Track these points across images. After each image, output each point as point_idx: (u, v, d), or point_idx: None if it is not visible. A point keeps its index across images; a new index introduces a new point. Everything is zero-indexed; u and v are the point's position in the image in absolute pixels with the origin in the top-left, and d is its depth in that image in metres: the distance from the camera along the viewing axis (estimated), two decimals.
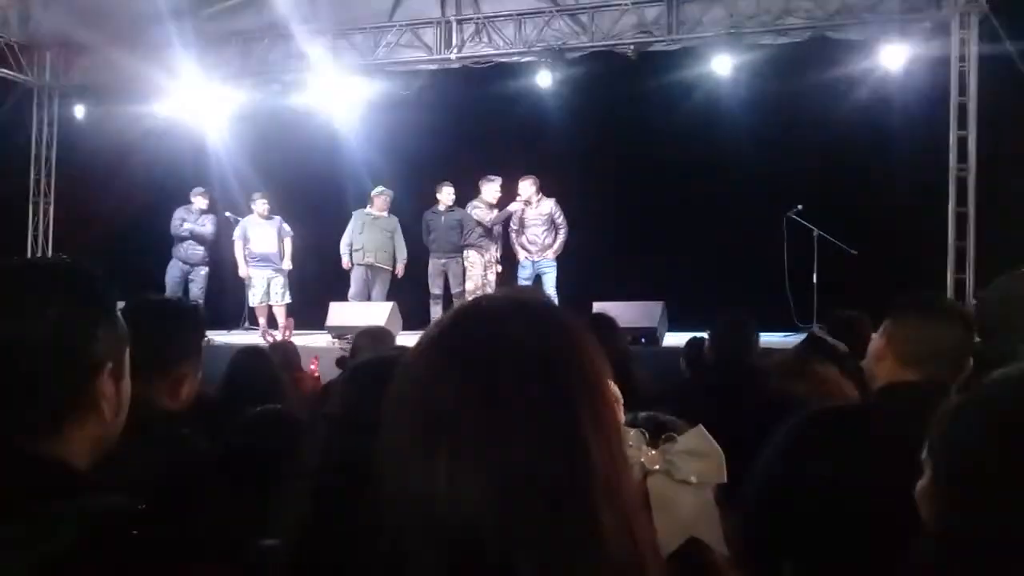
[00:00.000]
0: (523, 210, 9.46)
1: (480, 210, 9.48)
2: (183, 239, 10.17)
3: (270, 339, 7.97)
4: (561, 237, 9.45)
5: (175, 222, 10.19)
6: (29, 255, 11.00)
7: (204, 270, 10.29)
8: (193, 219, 10.22)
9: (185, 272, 10.18)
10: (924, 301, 2.21)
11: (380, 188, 9.89)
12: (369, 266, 9.80)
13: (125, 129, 11.18)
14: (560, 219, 9.44)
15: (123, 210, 10.71)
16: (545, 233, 9.44)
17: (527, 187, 9.42)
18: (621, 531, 0.80)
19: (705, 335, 5.20)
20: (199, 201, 10.28)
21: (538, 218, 9.43)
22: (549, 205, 9.43)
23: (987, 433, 1.05)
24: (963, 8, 8.58)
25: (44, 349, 1.06)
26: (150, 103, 11.18)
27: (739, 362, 3.70)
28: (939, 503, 1.08)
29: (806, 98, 8.85)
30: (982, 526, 1.01)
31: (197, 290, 10.11)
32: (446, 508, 0.78)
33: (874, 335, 2.25)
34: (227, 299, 10.45)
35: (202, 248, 10.25)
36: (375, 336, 4.46)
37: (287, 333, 8.93)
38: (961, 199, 8.70)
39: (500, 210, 9.50)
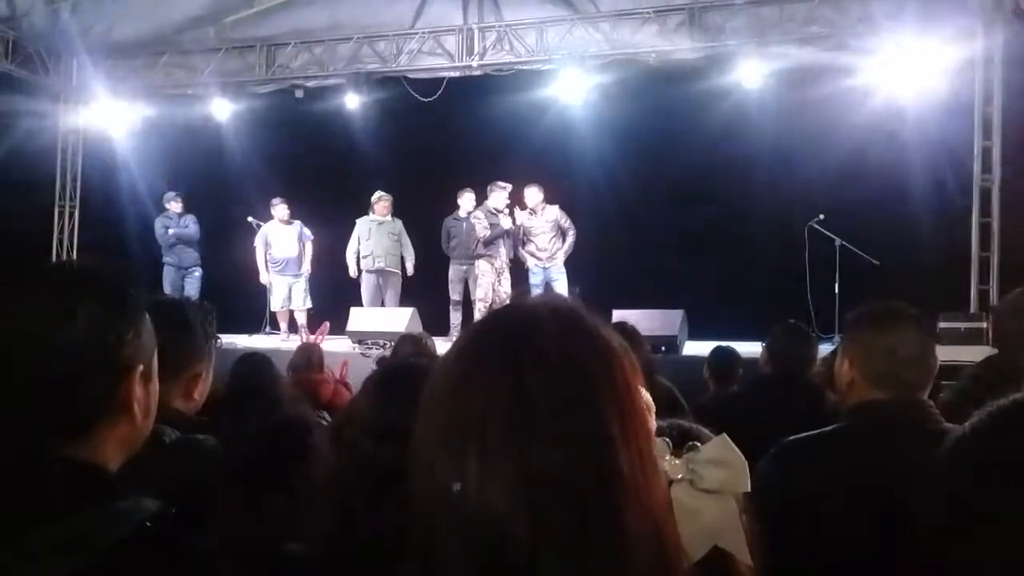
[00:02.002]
0: (526, 220, 9.45)
1: (480, 221, 9.39)
2: (172, 245, 10.41)
3: (298, 341, 8.01)
4: (570, 238, 9.46)
5: (159, 231, 10.45)
6: (54, 259, 11.11)
7: (198, 271, 10.50)
8: (175, 224, 10.44)
9: (180, 276, 10.37)
10: (873, 313, 2.16)
11: (379, 193, 9.95)
12: (379, 271, 9.83)
13: (150, 133, 11.30)
14: (567, 223, 9.44)
15: (147, 214, 10.81)
16: (553, 240, 9.45)
17: (533, 195, 9.43)
18: (648, 537, 0.80)
19: (725, 344, 5.20)
20: (174, 206, 10.53)
21: (544, 226, 9.44)
22: (554, 212, 9.44)
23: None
24: (988, 16, 8.50)
25: (76, 352, 1.06)
26: (175, 108, 11.28)
27: (800, 374, 3.64)
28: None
29: (828, 106, 8.78)
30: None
31: (193, 292, 10.18)
32: (474, 510, 0.78)
33: (837, 360, 2.20)
34: (249, 303, 10.49)
35: (192, 249, 10.46)
36: (416, 342, 4.52)
37: (320, 337, 8.96)
38: (985, 209, 8.63)
39: (508, 215, 9.45)
